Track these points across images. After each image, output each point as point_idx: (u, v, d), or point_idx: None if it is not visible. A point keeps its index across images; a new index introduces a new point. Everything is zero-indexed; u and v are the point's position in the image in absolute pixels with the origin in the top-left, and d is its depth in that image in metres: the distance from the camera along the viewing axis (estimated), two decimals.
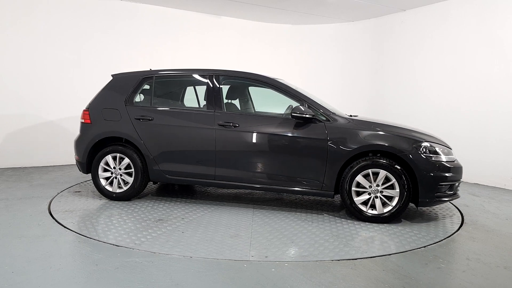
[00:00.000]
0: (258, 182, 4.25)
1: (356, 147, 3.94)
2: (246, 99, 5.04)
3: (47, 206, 4.28)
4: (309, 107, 4.12)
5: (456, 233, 3.77)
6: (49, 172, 6.24)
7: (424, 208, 4.56)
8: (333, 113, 4.16)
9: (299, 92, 4.31)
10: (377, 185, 3.92)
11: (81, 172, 4.79)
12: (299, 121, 4.09)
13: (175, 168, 4.40)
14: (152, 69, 4.77)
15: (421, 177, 3.82)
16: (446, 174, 3.88)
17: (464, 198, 5.19)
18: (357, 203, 3.97)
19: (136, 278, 2.63)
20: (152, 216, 4.02)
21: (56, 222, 3.75)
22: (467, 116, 6.29)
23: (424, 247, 3.35)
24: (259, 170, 4.24)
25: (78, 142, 4.68)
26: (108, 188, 4.55)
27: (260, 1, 6.94)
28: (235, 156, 4.27)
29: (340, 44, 8.57)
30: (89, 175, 4.79)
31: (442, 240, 3.53)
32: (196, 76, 4.77)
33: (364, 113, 5.02)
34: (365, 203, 3.98)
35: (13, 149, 6.51)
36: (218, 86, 4.43)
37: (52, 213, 4.04)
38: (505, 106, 5.81)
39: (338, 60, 8.61)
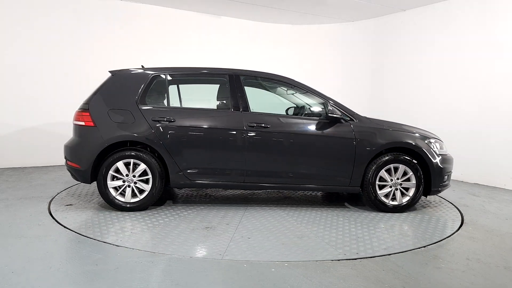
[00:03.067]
0: (289, 182, 4.28)
1: (381, 144, 4.24)
2: None
3: (47, 206, 4.27)
4: (327, 107, 4.27)
5: (456, 233, 3.77)
6: (49, 172, 6.24)
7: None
8: (355, 113, 4.38)
9: (322, 93, 4.42)
10: (397, 179, 4.29)
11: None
12: (326, 121, 4.26)
13: (201, 172, 4.17)
14: (144, 66, 4.56)
15: (433, 169, 4.28)
16: (447, 165, 4.41)
17: (464, 198, 5.20)
18: (380, 196, 4.28)
19: (136, 278, 2.63)
20: (193, 225, 3.76)
21: (56, 222, 3.75)
22: (467, 116, 6.29)
23: (424, 247, 3.35)
24: (290, 170, 4.25)
25: (77, 148, 4.16)
26: (120, 198, 4.09)
27: (260, 1, 6.95)
28: (267, 157, 4.21)
29: (340, 44, 8.57)
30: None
31: (442, 240, 3.53)
32: (214, 75, 4.56)
33: (364, 113, 5.02)
34: (386, 195, 4.32)
35: (13, 149, 6.51)
36: (242, 86, 4.32)
37: (52, 213, 4.04)
38: (505, 106, 5.81)
39: (338, 60, 8.61)
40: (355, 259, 3.06)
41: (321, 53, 8.78)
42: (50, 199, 4.59)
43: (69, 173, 5.98)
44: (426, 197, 4.63)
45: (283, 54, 8.78)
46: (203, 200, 4.74)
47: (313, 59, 8.80)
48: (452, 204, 4.85)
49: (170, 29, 7.67)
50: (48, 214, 4.02)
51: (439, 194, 5.14)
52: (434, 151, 4.32)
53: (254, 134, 4.14)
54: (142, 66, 4.58)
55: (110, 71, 4.45)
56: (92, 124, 4.09)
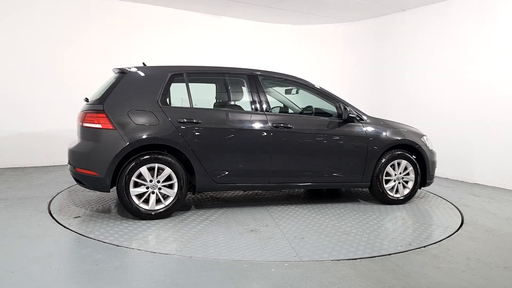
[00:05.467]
0: (310, 181, 4.42)
1: (389, 142, 4.55)
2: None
3: (47, 206, 4.27)
4: (345, 107, 4.43)
5: (456, 233, 3.77)
6: (49, 172, 6.24)
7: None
8: (364, 113, 4.62)
9: (334, 95, 4.58)
10: (400, 173, 4.63)
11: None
12: (340, 121, 4.44)
13: (228, 175, 4.07)
14: (145, 64, 4.43)
15: (428, 163, 4.70)
16: (436, 160, 4.89)
17: (464, 198, 5.20)
18: (387, 189, 4.59)
19: (136, 278, 2.63)
20: (234, 229, 3.68)
21: (56, 222, 3.75)
22: (467, 115, 6.29)
23: (424, 247, 3.35)
24: (312, 169, 4.38)
25: (93, 154, 3.77)
26: (144, 206, 3.80)
27: (260, 1, 6.95)
28: (290, 157, 4.27)
29: (340, 44, 8.57)
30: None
31: (442, 240, 3.53)
32: (232, 75, 4.50)
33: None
34: (390, 189, 4.64)
35: (13, 149, 6.51)
36: (261, 86, 4.33)
37: (52, 213, 4.04)
38: (505, 106, 5.81)
39: (338, 60, 8.61)
40: (355, 259, 3.06)
41: (321, 53, 8.78)
42: (50, 199, 4.58)
43: (68, 173, 5.98)
44: (420, 188, 4.90)
45: (283, 54, 8.78)
46: (215, 203, 4.61)
47: (313, 59, 8.80)
48: (452, 204, 4.85)
49: (170, 29, 7.66)
50: (48, 214, 4.01)
51: (440, 194, 5.32)
52: (428, 147, 4.75)
53: (278, 134, 4.17)
54: (143, 63, 4.47)
55: (120, 69, 4.14)
56: (110, 126, 3.74)
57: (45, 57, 6.62)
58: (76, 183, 4.03)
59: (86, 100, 4.19)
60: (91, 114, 3.83)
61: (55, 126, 6.76)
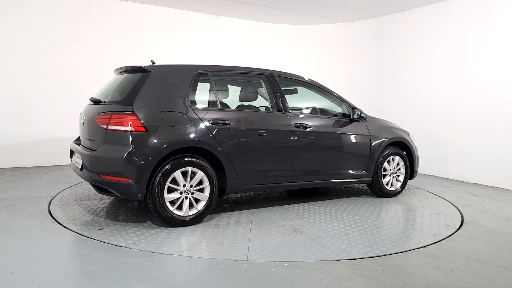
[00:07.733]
0: (326, 178, 4.61)
1: (387, 139, 4.92)
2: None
3: (47, 206, 4.27)
4: (353, 108, 4.73)
5: (456, 233, 3.77)
6: (49, 172, 6.23)
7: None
8: (364, 113, 4.89)
9: (340, 95, 4.83)
10: (394, 168, 5.04)
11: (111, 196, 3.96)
12: (346, 120, 4.71)
13: (254, 176, 4.06)
14: (154, 62, 4.18)
15: (415, 158, 5.22)
16: (418, 154, 5.34)
17: (464, 198, 5.20)
18: (384, 184, 4.97)
19: (136, 278, 2.63)
20: (274, 229, 3.67)
21: (56, 222, 3.75)
22: (467, 115, 6.29)
23: (424, 247, 3.36)
24: (328, 167, 4.61)
25: (126, 158, 3.40)
26: (178, 212, 3.60)
27: (260, 1, 6.95)
28: (310, 156, 4.44)
29: (340, 44, 8.57)
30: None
31: (442, 240, 3.53)
32: (252, 75, 4.46)
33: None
34: (387, 183, 5.01)
35: (13, 149, 6.51)
36: (280, 86, 4.40)
37: (52, 213, 4.04)
38: (505, 106, 5.81)
39: (338, 60, 8.61)
40: (355, 259, 3.06)
41: (321, 53, 8.78)
42: (50, 199, 4.58)
43: (69, 173, 6.02)
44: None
45: (283, 54, 8.78)
46: (229, 205, 4.53)
47: (313, 59, 8.79)
48: (452, 204, 4.85)
49: (170, 29, 7.66)
50: (48, 214, 4.01)
51: (440, 194, 5.35)
52: (413, 143, 5.22)
53: (300, 134, 4.29)
54: (152, 61, 4.18)
55: (138, 67, 3.91)
56: (143, 129, 3.47)
57: (45, 57, 6.62)
58: (98, 191, 3.72)
59: (97, 101, 3.92)
60: (118, 116, 3.52)
61: (55, 126, 6.76)
